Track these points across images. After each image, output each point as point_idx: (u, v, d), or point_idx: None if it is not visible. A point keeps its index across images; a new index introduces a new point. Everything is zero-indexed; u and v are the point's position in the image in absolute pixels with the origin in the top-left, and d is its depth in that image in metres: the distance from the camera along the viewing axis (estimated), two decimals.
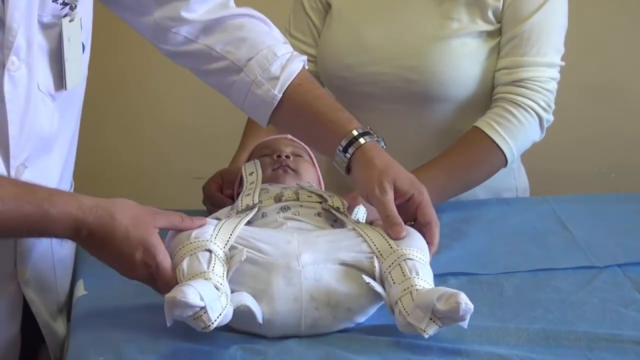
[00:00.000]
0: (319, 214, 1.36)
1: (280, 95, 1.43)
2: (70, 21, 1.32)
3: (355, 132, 1.37)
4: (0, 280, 1.33)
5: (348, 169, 1.38)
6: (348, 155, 1.36)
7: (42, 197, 1.18)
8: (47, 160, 1.37)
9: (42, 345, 1.42)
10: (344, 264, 1.24)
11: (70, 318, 1.34)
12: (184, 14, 1.44)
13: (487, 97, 1.72)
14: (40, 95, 1.31)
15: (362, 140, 1.36)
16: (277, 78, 1.43)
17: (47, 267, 1.40)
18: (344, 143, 1.37)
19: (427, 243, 1.29)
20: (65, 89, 1.35)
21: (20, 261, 1.34)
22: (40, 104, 1.31)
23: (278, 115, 1.45)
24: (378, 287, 1.21)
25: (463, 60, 1.69)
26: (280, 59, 1.44)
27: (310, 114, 1.43)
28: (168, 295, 1.11)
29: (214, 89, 1.50)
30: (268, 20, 1.51)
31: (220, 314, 1.12)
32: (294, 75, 1.45)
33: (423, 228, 1.32)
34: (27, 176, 1.31)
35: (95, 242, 1.20)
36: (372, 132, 1.39)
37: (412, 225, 1.33)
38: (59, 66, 1.34)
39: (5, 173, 1.28)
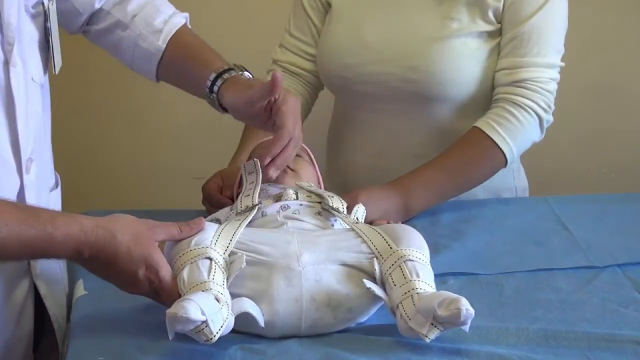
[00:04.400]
0: (318, 213, 1.36)
1: (164, 46, 1.53)
2: (52, 4, 1.38)
3: (218, 70, 1.47)
4: (17, 275, 1.34)
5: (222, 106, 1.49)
6: (214, 95, 1.47)
7: (45, 220, 1.18)
8: (44, 151, 1.39)
9: (42, 340, 1.43)
10: (344, 264, 1.24)
11: (69, 318, 1.34)
12: None
13: (487, 97, 1.72)
14: (34, 86, 1.33)
15: (225, 76, 1.46)
16: (160, 31, 1.53)
17: (53, 259, 1.40)
18: (211, 78, 1.47)
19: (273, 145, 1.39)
20: (55, 73, 1.38)
21: None
22: (35, 95, 1.33)
23: (163, 67, 1.54)
24: (379, 291, 1.21)
25: (463, 60, 1.69)
26: (162, 14, 1.54)
27: (187, 60, 1.52)
28: (169, 311, 1.11)
29: (107, 50, 1.57)
30: None
31: (221, 326, 1.12)
32: (176, 28, 1.54)
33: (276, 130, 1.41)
34: (33, 171, 1.33)
35: (98, 262, 1.20)
36: (235, 67, 1.49)
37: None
38: (45, 53, 1.36)
39: (17, 171, 1.30)
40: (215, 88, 1.47)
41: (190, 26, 1.59)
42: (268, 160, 1.40)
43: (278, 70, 1.84)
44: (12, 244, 1.15)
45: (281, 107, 1.41)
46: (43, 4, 1.35)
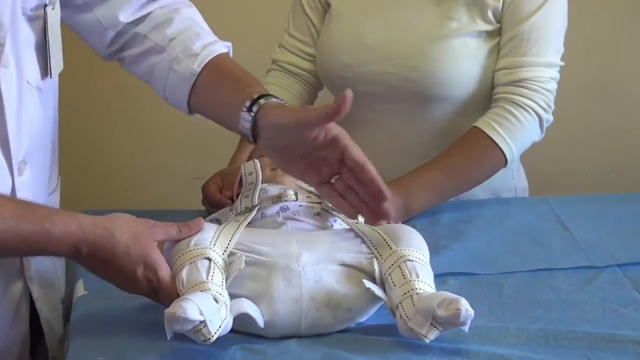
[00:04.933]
0: (318, 214, 1.36)
1: (199, 70, 1.40)
2: (52, 9, 1.34)
3: (256, 95, 1.30)
4: (9, 276, 1.34)
5: (254, 134, 1.31)
6: (252, 114, 1.29)
7: (43, 216, 1.17)
8: (41, 155, 1.38)
9: (40, 345, 1.43)
10: (343, 264, 1.24)
11: (69, 317, 1.34)
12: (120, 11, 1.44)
13: (486, 97, 1.72)
14: (29, 88, 1.32)
15: (267, 99, 1.30)
16: (196, 55, 1.41)
17: (48, 261, 1.40)
18: (253, 96, 1.31)
19: (376, 193, 1.25)
20: (51, 77, 1.36)
21: (26, 257, 1.35)
22: (30, 98, 1.32)
23: (196, 93, 1.42)
24: (379, 292, 1.21)
25: (462, 60, 1.69)
26: (202, 40, 1.43)
27: (224, 84, 1.39)
28: (167, 311, 1.11)
29: (139, 77, 1.48)
30: (197, 11, 1.51)
31: (220, 326, 1.12)
32: (214, 54, 1.42)
33: (357, 172, 1.25)
34: (27, 173, 1.32)
35: (96, 260, 1.19)
36: (278, 97, 1.33)
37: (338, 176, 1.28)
38: (44, 56, 1.35)
39: (8, 171, 1.29)
40: (255, 108, 1.29)
41: (232, 56, 1.47)
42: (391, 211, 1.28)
43: (277, 70, 1.85)
44: (9, 238, 1.15)
45: (345, 141, 1.25)
46: (45, 7, 1.34)
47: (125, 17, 1.45)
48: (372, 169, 1.27)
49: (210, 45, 1.43)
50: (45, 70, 1.36)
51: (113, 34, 1.46)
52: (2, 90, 1.27)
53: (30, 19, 1.32)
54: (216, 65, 1.41)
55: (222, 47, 1.45)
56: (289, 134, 1.27)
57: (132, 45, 1.47)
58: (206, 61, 1.41)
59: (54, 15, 1.36)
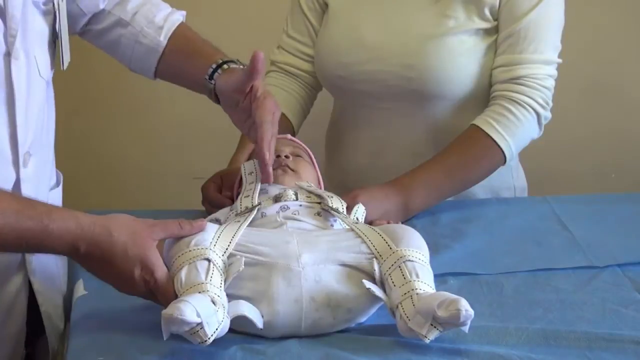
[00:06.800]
0: (318, 214, 1.36)
1: (165, 41, 1.54)
2: (62, 1, 1.39)
3: (219, 60, 1.48)
4: (10, 269, 1.35)
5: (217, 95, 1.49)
6: (213, 82, 1.48)
7: (42, 212, 1.17)
8: (44, 147, 1.40)
9: (39, 338, 1.43)
10: (343, 264, 1.24)
11: (69, 317, 1.34)
12: None
13: (484, 94, 1.72)
14: (40, 81, 1.34)
15: (226, 66, 1.48)
16: (161, 27, 1.55)
17: (50, 256, 1.40)
18: (213, 67, 1.48)
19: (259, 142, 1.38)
20: (63, 68, 1.38)
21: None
22: (39, 90, 1.34)
23: (163, 62, 1.56)
24: (379, 292, 1.21)
25: (460, 57, 1.69)
26: (162, 11, 1.56)
27: (189, 53, 1.54)
28: (165, 312, 1.11)
29: (101, 48, 1.58)
30: None
31: (216, 329, 1.12)
32: (177, 24, 1.55)
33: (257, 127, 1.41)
34: (32, 164, 1.33)
35: (94, 259, 1.19)
36: (237, 61, 1.50)
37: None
38: (53, 49, 1.38)
39: (13, 162, 1.31)
40: (216, 75, 1.47)
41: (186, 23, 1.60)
42: (269, 167, 1.39)
43: (276, 71, 1.85)
44: (7, 233, 1.15)
45: (259, 106, 1.41)
46: (53, 1, 1.36)
47: (104, 2, 1.53)
48: (263, 134, 1.39)
49: (169, 15, 1.56)
50: (54, 64, 1.38)
51: (89, 17, 1.54)
52: (13, 81, 1.28)
53: (44, 13, 1.34)
54: (179, 34, 1.56)
55: (180, 16, 1.58)
56: (228, 96, 1.46)
57: (97, 21, 1.55)
58: (171, 32, 1.54)
59: (62, 8, 1.37)
